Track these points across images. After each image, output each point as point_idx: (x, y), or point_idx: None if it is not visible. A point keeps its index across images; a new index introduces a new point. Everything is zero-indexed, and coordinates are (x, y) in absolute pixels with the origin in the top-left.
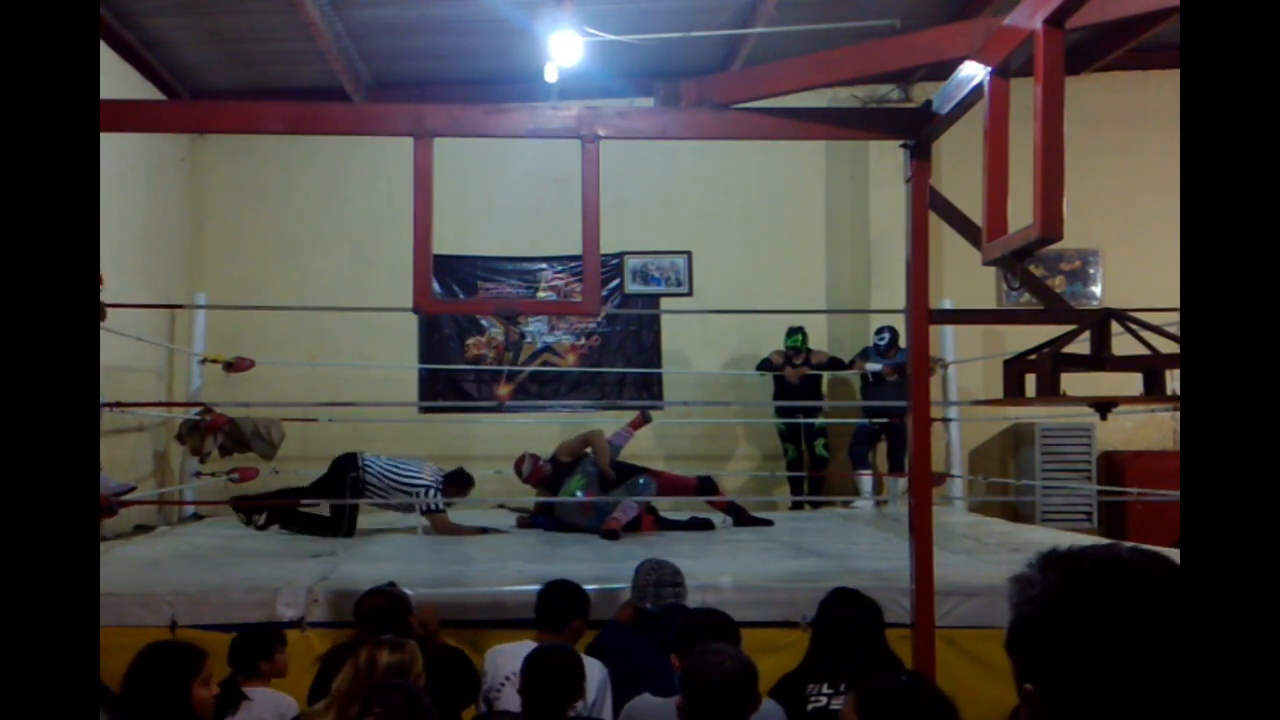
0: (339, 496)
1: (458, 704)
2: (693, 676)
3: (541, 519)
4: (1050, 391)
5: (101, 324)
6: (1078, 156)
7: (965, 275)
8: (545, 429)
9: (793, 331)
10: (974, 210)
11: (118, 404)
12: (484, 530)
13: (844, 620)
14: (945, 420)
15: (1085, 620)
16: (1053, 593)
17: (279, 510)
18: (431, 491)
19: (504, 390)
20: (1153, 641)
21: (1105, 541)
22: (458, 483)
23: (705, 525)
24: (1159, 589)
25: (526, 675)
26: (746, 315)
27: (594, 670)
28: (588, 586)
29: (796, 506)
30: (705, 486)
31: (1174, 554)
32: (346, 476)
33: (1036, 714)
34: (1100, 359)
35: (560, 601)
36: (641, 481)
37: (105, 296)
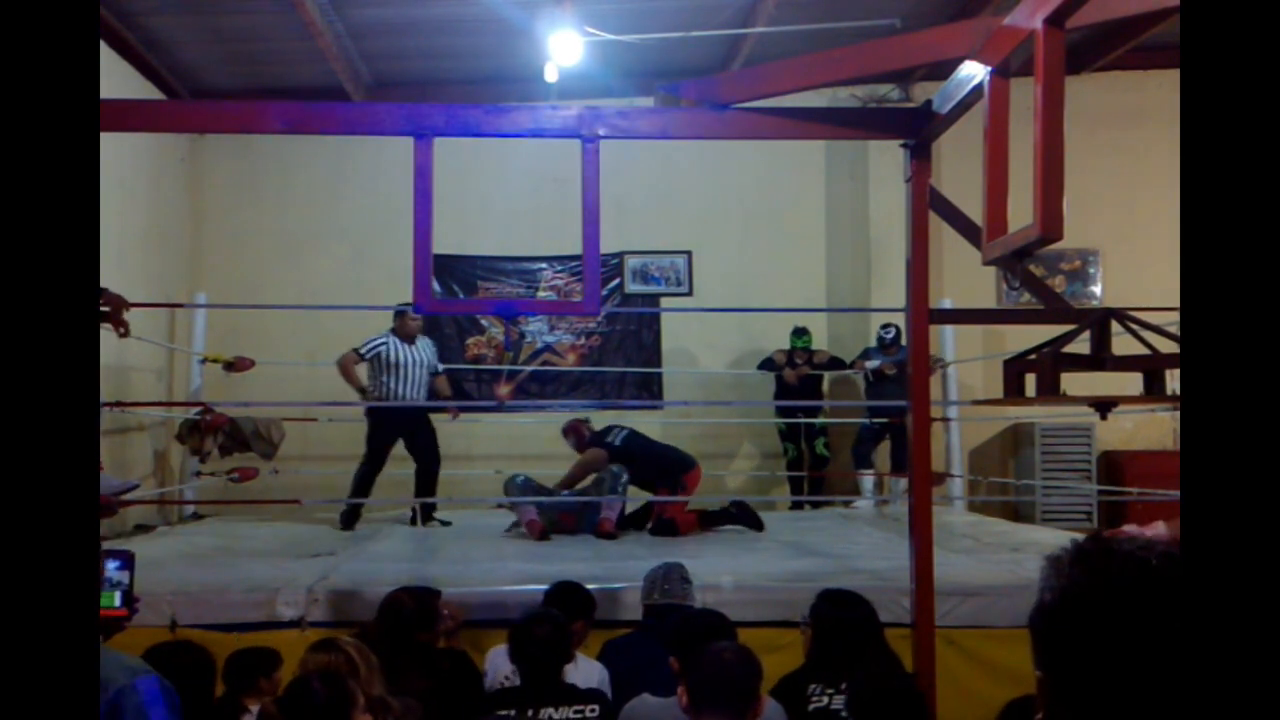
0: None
1: (458, 704)
2: (695, 667)
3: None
4: (1050, 391)
5: (123, 337)
6: (1078, 156)
7: (965, 275)
8: (545, 429)
9: (800, 332)
10: (974, 210)
11: (118, 404)
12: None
13: (842, 621)
14: (945, 420)
15: (1095, 623)
16: (1073, 590)
17: None
18: (376, 341)
19: (504, 390)
20: (1160, 649)
21: (1144, 536)
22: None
23: (756, 524)
24: (1178, 596)
25: (515, 641)
26: (747, 315)
27: (594, 671)
28: (588, 586)
29: (796, 506)
30: (706, 518)
31: None
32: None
33: (1044, 700)
34: (1100, 359)
35: (564, 602)
36: (615, 470)
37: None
